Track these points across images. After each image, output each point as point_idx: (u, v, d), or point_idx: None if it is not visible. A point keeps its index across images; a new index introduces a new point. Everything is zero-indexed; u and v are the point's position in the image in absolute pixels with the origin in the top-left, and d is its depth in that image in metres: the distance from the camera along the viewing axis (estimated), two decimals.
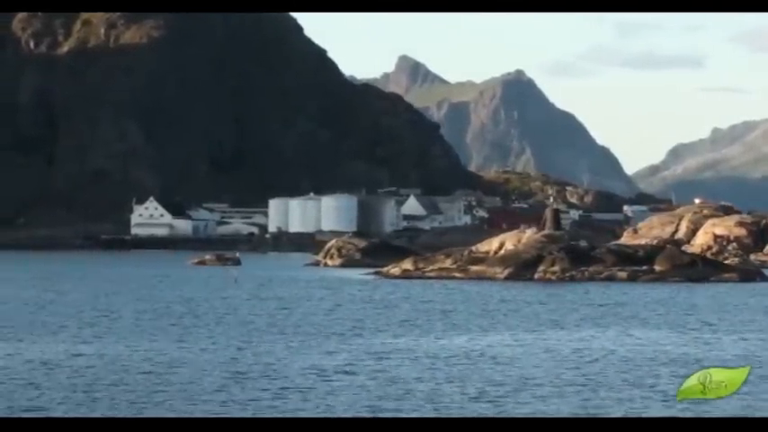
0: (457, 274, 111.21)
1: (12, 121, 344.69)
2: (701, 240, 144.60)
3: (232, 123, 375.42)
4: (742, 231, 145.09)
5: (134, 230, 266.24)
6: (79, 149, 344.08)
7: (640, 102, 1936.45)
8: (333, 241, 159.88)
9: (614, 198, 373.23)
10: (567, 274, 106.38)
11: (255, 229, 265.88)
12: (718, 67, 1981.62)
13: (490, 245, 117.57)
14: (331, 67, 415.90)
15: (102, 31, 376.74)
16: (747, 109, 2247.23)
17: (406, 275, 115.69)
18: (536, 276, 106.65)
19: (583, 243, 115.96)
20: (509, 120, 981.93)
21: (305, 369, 39.71)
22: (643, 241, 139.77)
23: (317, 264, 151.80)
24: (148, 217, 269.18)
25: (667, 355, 45.91)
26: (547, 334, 55.95)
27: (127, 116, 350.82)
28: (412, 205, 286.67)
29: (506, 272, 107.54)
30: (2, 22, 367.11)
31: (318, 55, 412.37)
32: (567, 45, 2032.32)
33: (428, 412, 30.14)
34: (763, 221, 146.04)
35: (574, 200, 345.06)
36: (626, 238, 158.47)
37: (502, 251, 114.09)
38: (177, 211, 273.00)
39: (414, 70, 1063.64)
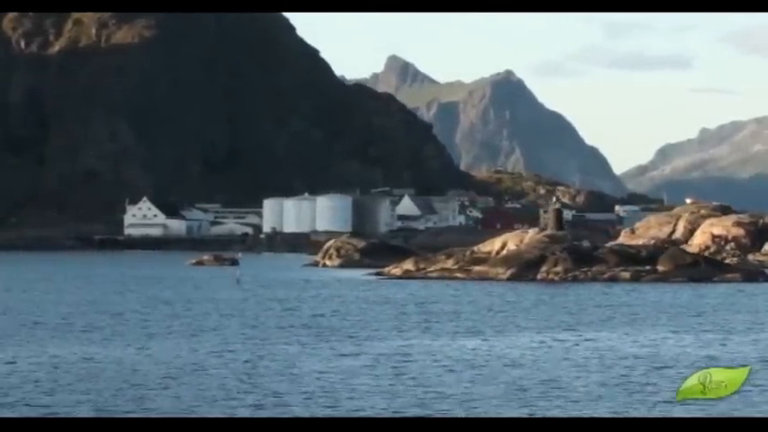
0: (459, 275, 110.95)
1: (2, 121, 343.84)
2: (699, 240, 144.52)
3: (224, 123, 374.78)
4: (740, 231, 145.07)
5: (127, 231, 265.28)
6: (70, 149, 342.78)
7: (629, 102, 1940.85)
8: (331, 241, 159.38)
9: (605, 198, 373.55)
10: (570, 275, 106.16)
11: (250, 230, 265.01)
12: (707, 68, 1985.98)
13: (492, 245, 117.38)
14: (323, 67, 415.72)
15: (94, 30, 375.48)
16: (735, 109, 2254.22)
17: (407, 276, 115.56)
18: (539, 277, 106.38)
19: (585, 243, 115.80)
20: (498, 120, 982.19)
21: (325, 372, 39.44)
22: (641, 241, 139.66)
23: (315, 264, 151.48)
24: (142, 217, 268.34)
25: (688, 357, 45.53)
26: (563, 335, 55.62)
27: (118, 116, 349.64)
28: (406, 205, 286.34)
29: (509, 272, 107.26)
30: None
31: (311, 55, 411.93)
32: (555, 45, 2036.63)
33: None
34: (761, 221, 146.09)
35: (566, 200, 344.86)
36: (624, 239, 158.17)
37: (504, 251, 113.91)
38: (171, 211, 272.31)
39: (403, 70, 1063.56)
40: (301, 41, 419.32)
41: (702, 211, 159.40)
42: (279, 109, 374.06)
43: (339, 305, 76.45)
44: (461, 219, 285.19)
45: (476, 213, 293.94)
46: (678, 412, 28.01)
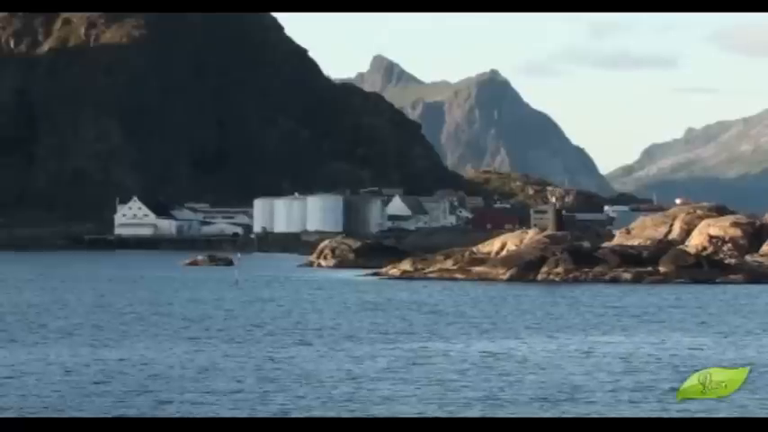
0: (458, 275, 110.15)
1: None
2: (696, 241, 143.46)
3: (213, 123, 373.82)
4: (737, 232, 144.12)
5: (118, 230, 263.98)
6: (59, 149, 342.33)
7: (614, 102, 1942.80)
8: (326, 242, 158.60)
9: (594, 198, 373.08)
10: (571, 275, 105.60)
11: (240, 230, 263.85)
12: (692, 68, 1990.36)
13: (491, 245, 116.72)
14: (312, 66, 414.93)
15: (83, 30, 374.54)
16: (721, 109, 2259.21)
17: (405, 276, 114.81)
18: (539, 278, 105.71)
19: (586, 244, 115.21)
20: (484, 120, 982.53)
21: (347, 374, 38.95)
22: (636, 242, 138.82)
23: (310, 264, 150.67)
24: (132, 217, 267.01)
25: (708, 360, 44.49)
26: (579, 337, 54.92)
27: (107, 116, 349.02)
28: (397, 205, 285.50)
29: (509, 273, 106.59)
30: None
31: (299, 55, 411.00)
32: (541, 45, 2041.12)
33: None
34: (758, 222, 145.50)
35: (554, 200, 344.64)
36: (619, 239, 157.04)
37: (504, 252, 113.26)
38: (161, 211, 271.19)
39: (388, 70, 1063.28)
40: (289, 41, 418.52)
41: (698, 212, 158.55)
42: (267, 109, 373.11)
43: (344, 307, 75.36)
44: (452, 219, 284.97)
45: (466, 213, 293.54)
46: (678, 412, 27.89)
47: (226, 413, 29.48)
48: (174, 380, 36.96)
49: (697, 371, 13.84)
